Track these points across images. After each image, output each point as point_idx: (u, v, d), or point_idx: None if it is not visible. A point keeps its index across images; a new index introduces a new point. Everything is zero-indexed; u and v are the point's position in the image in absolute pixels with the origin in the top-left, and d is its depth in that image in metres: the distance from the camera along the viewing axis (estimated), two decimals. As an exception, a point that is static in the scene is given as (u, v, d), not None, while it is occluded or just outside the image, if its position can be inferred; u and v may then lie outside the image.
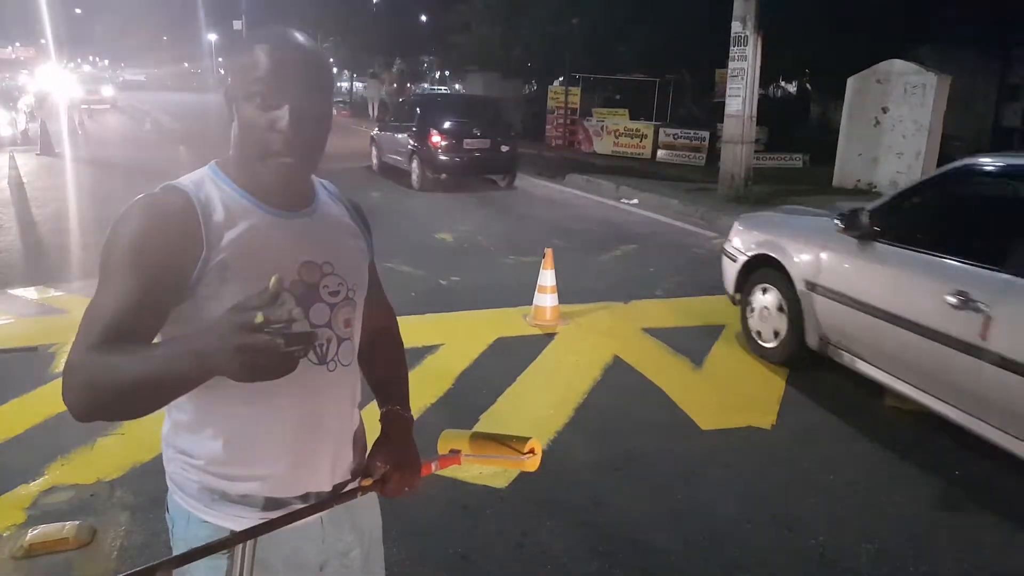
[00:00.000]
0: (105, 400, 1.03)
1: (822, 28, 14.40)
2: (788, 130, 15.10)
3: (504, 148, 11.90)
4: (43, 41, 62.71)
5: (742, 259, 4.96)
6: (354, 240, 1.35)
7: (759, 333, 4.81)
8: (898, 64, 11.22)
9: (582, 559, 2.78)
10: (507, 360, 4.67)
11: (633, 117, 17.70)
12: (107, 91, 30.12)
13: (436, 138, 11.41)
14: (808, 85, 19.21)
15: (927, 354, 3.49)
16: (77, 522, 2.82)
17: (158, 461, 3.47)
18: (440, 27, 28.26)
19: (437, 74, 44.23)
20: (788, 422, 3.95)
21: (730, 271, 5.13)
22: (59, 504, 2.98)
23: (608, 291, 6.30)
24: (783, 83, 20.45)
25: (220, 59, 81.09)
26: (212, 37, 74.31)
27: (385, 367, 1.51)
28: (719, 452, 3.63)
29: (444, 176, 11.64)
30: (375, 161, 13.77)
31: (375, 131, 14.29)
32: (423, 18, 33.67)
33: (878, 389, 4.47)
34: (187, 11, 67.92)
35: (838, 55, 13.81)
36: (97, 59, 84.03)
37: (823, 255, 4.29)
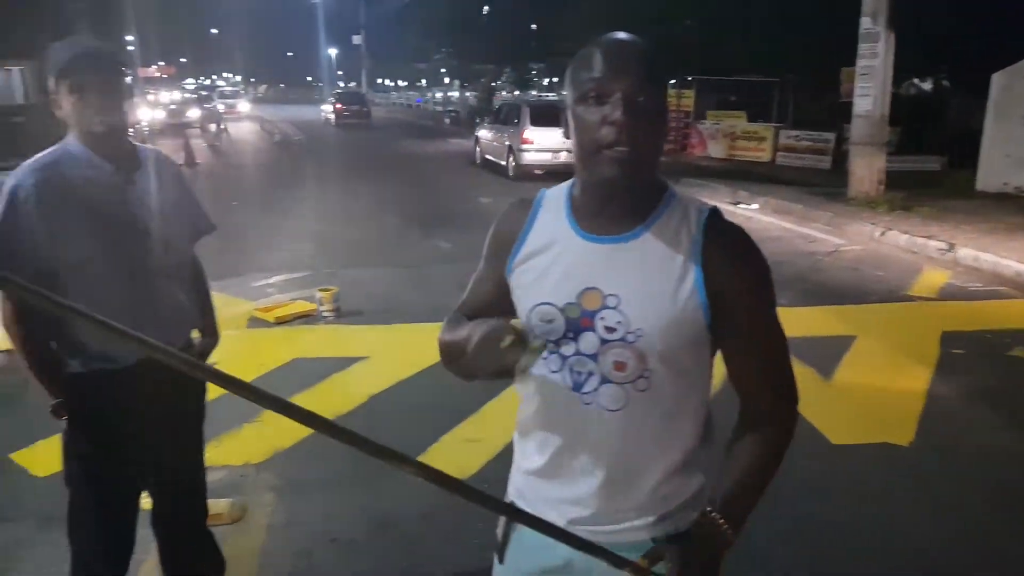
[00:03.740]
0: (443, 362, 1.30)
1: (962, 21, 13.46)
2: (923, 131, 14.17)
3: (364, 109, 32.72)
4: (183, 60, 68.22)
5: (474, 136, 17.34)
6: (672, 282, 1.16)
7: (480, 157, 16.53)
8: (1052, 57, 10.31)
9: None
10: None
11: (751, 119, 17.15)
12: (193, 113, 27.94)
13: (337, 106, 32.62)
14: (945, 82, 17.97)
15: (494, 146, 15.48)
16: (230, 499, 3.05)
17: (297, 447, 3.67)
18: (550, 35, 28.47)
19: (546, 81, 44.52)
20: (928, 440, 3.72)
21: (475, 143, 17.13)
22: (213, 483, 3.21)
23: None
24: (916, 80, 19.23)
25: (339, 72, 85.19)
26: (332, 52, 78.16)
27: (733, 461, 1.25)
28: (851, 468, 3.47)
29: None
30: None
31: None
32: (533, 27, 34.03)
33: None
34: (311, 28, 71.78)
35: (981, 49, 12.85)
36: (231, 75, 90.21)
37: (481, 132, 16.77)
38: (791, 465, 3.45)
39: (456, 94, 45.73)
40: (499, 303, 1.30)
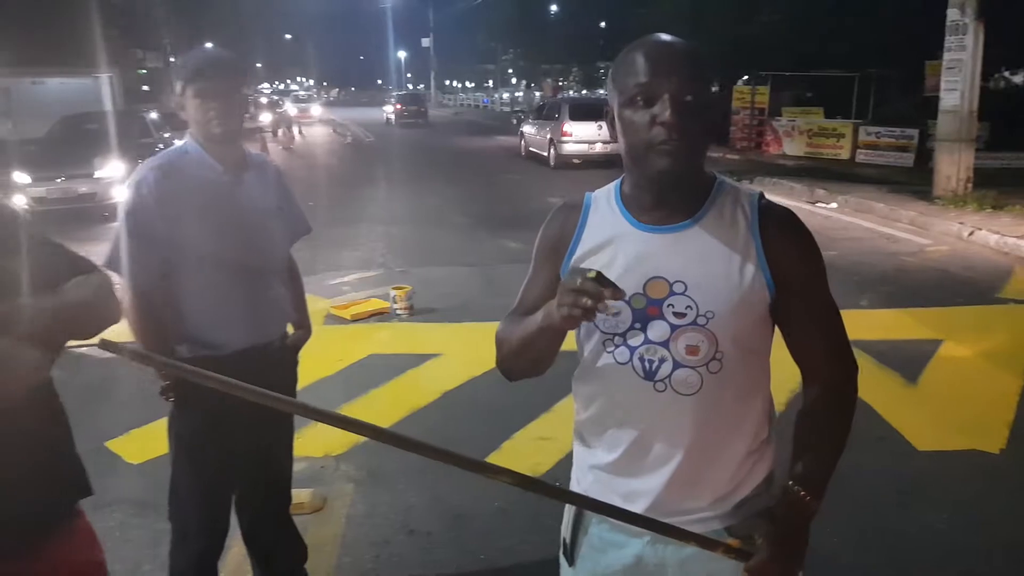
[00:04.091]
0: (503, 356, 1.31)
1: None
2: (1014, 126, 13.43)
3: (422, 110, 34.97)
4: (258, 65, 70.69)
5: (519, 131, 19.35)
6: (736, 264, 1.20)
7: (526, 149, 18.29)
8: None
9: None
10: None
11: (828, 115, 16.59)
12: (265, 117, 26.68)
13: (397, 106, 34.96)
14: (1039, 74, 16.97)
15: (537, 139, 17.10)
16: (311, 489, 3.16)
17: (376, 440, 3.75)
18: (620, 33, 28.23)
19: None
20: (1021, 448, 3.54)
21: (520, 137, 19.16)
22: (295, 473, 3.29)
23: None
24: (1007, 73, 18.24)
25: (408, 74, 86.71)
26: (401, 55, 79.62)
27: (804, 434, 1.28)
28: (937, 474, 3.34)
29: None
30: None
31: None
32: (602, 24, 33.79)
33: None
34: (381, 32, 73.34)
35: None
36: (304, 79, 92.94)
37: (525, 127, 18.65)
38: (874, 471, 3.36)
39: (521, 94, 46.15)
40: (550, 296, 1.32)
